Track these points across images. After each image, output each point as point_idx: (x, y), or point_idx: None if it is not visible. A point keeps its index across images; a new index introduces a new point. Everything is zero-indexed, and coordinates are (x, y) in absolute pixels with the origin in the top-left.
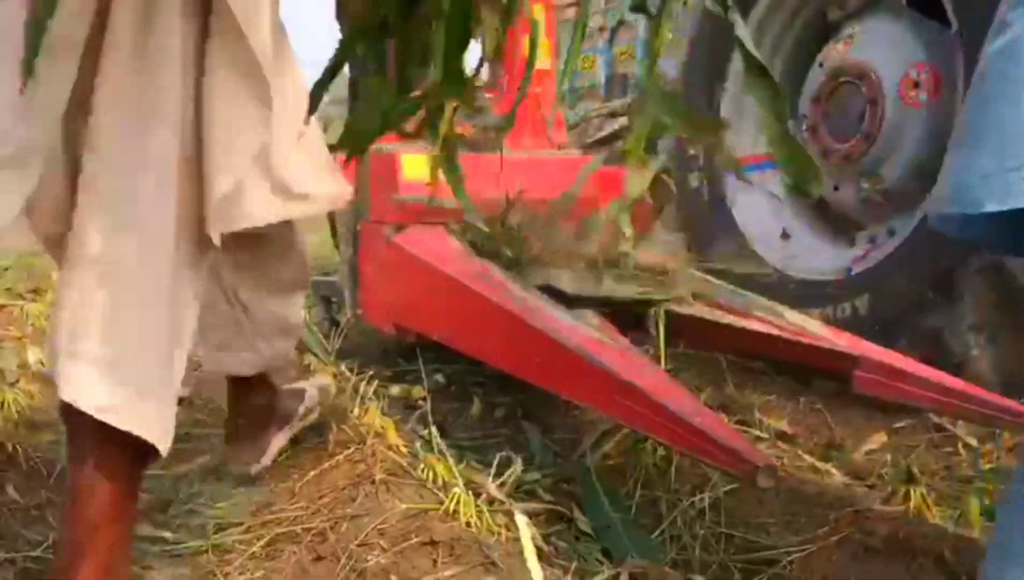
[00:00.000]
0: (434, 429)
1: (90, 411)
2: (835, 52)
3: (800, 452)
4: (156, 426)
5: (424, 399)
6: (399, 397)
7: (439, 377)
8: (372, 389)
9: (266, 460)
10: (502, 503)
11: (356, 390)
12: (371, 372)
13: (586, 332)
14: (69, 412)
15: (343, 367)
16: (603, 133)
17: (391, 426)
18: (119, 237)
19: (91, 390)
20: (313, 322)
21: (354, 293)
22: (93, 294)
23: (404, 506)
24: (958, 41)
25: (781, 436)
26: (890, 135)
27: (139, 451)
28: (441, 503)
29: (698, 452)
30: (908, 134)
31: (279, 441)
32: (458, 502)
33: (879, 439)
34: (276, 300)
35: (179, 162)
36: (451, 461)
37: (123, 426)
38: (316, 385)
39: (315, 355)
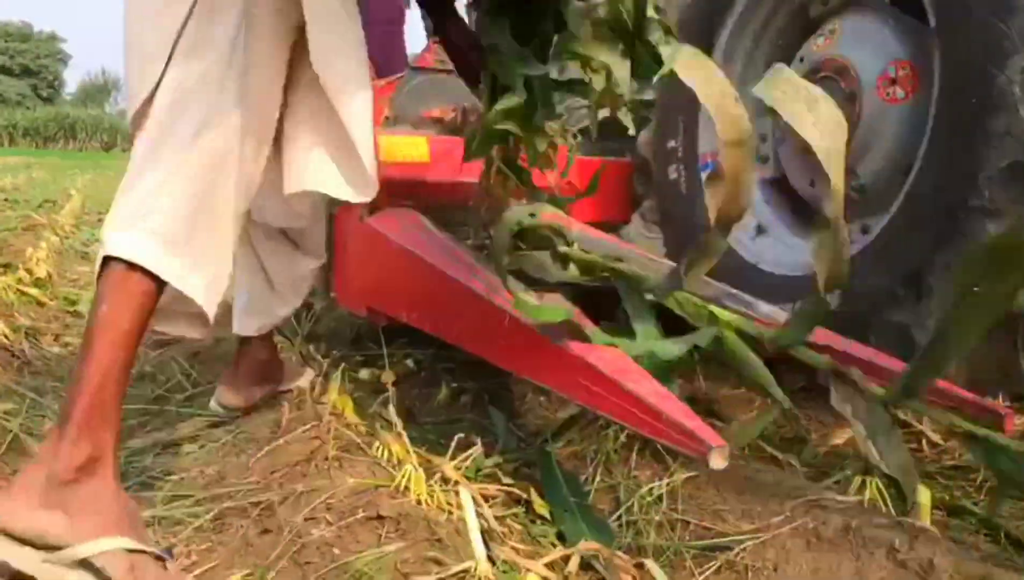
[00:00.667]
0: (391, 408)
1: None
2: (815, 47)
3: (762, 443)
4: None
5: (394, 384)
6: (368, 381)
7: (409, 362)
8: (339, 371)
9: (241, 403)
10: (456, 483)
11: (322, 371)
12: (340, 355)
13: None
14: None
15: (311, 349)
16: (584, 124)
17: (348, 404)
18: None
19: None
20: None
21: (328, 276)
22: (166, 178)
23: (353, 482)
24: (935, 38)
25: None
26: (867, 132)
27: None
28: (393, 480)
29: (652, 432)
30: (885, 131)
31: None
32: (409, 479)
33: (844, 434)
34: (299, 268)
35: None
36: (407, 440)
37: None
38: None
39: (284, 337)
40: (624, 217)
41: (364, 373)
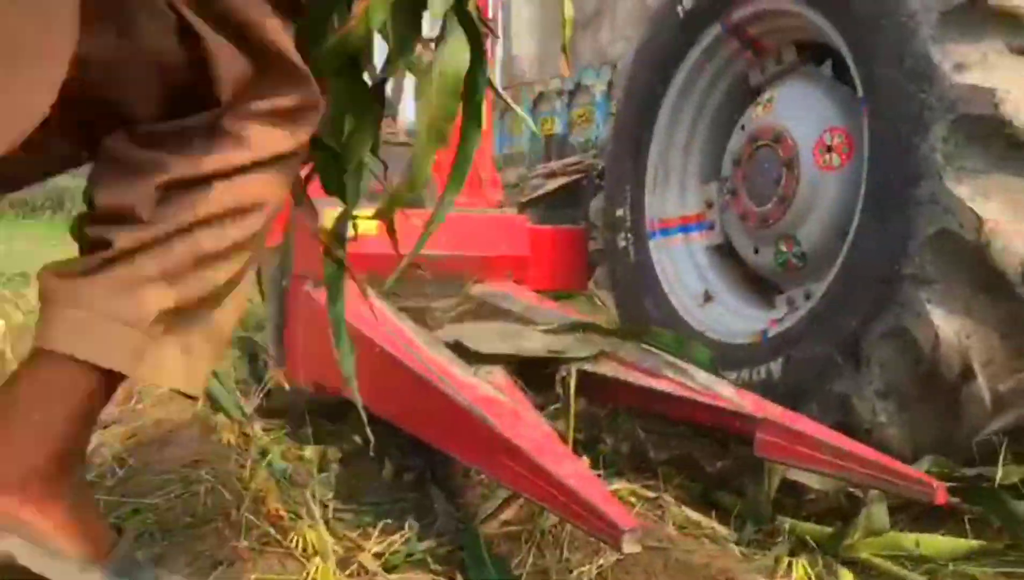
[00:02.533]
0: (309, 493)
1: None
2: (755, 116)
3: (701, 521)
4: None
5: (340, 461)
6: (311, 459)
7: (357, 438)
8: (281, 450)
9: None
10: (374, 574)
11: (262, 451)
12: (286, 432)
13: (482, 391)
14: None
15: (256, 427)
16: (540, 192)
17: (272, 491)
18: None
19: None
20: (238, 378)
21: (279, 350)
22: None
23: (255, 577)
24: (863, 107)
25: (686, 504)
26: (805, 198)
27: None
28: (302, 575)
29: (569, 515)
30: (823, 198)
31: None
32: (319, 573)
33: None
34: None
35: None
36: (323, 529)
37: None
38: None
39: (225, 413)
40: (580, 285)
41: (309, 450)
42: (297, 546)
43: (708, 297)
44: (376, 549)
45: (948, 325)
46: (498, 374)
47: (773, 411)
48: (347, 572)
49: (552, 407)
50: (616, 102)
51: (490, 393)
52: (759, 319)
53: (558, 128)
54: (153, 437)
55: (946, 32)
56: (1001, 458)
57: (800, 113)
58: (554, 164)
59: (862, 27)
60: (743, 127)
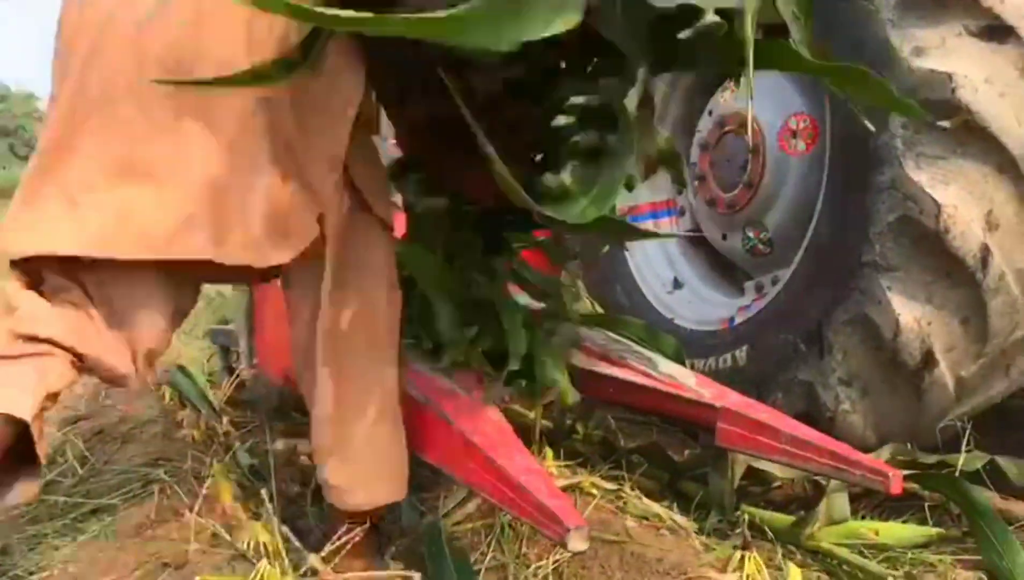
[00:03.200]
0: (264, 492)
1: None
2: (722, 100)
3: (662, 512)
4: None
5: (308, 456)
6: (283, 451)
7: None
8: (249, 445)
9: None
10: (325, 575)
11: (226, 446)
12: (257, 424)
13: (440, 384)
14: None
15: (225, 420)
16: None
17: (227, 490)
18: None
19: None
20: (211, 370)
21: (250, 342)
22: None
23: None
24: (824, 92)
25: (650, 494)
26: (771, 184)
27: None
28: (257, 574)
29: (518, 511)
30: (788, 183)
31: None
32: (266, 574)
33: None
34: None
35: None
36: (276, 528)
37: None
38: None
39: (193, 406)
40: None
41: (280, 443)
42: (248, 546)
43: (678, 284)
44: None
45: (909, 312)
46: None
47: (734, 400)
48: (300, 572)
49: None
50: None
51: (449, 386)
52: (728, 306)
53: None
54: (117, 434)
55: (905, 16)
56: (964, 444)
57: (765, 98)
58: None
59: (823, 10)
60: (710, 112)
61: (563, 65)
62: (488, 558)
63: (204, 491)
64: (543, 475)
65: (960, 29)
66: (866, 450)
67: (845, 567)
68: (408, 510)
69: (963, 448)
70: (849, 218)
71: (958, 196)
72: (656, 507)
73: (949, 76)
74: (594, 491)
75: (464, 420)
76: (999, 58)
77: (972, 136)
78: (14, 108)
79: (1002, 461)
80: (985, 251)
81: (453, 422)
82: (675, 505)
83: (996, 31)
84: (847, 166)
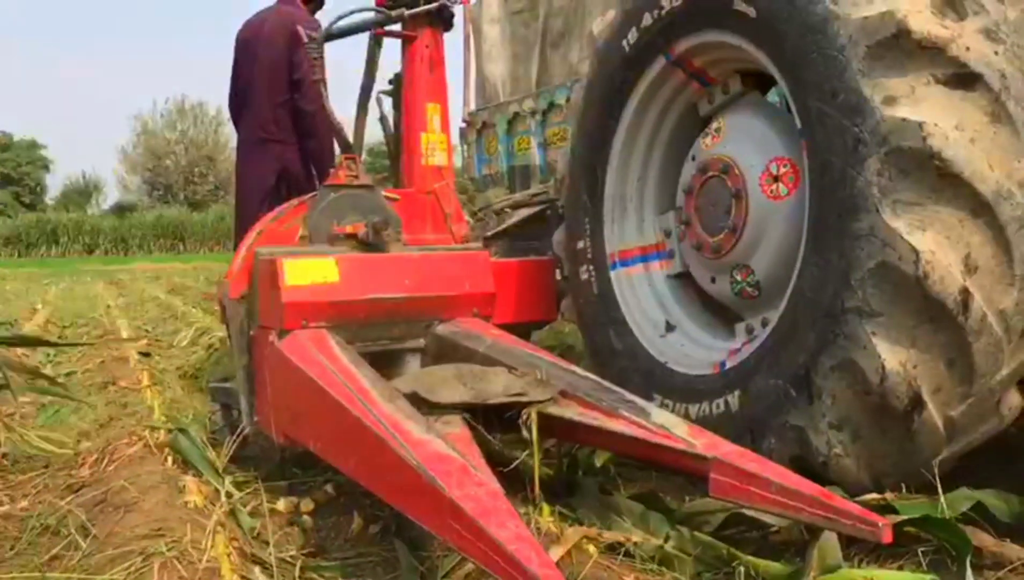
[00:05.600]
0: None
1: None
2: (704, 146)
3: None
4: None
5: (310, 513)
6: (283, 511)
7: (329, 487)
8: (251, 507)
9: None
10: None
11: (228, 510)
12: (260, 479)
13: (432, 448)
14: None
15: (227, 481)
16: (505, 225)
17: (227, 565)
18: None
19: None
20: (214, 428)
21: (251, 400)
22: None
23: None
24: (801, 138)
25: (647, 547)
26: (755, 228)
27: None
28: None
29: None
30: (772, 227)
31: None
32: None
33: None
34: None
35: None
36: None
37: None
38: None
39: (197, 469)
40: (550, 316)
41: (282, 503)
42: None
43: (670, 327)
44: None
45: (894, 356)
46: (455, 422)
47: (726, 450)
48: None
49: (524, 452)
50: (570, 137)
51: (441, 450)
52: (719, 350)
53: (534, 148)
54: (120, 502)
55: (874, 66)
56: (939, 486)
57: (746, 143)
58: (518, 195)
59: (795, 61)
60: (693, 157)
61: None
62: None
63: (203, 565)
64: (532, 543)
65: (928, 78)
66: (862, 492)
67: None
68: (407, 571)
69: (940, 491)
70: (830, 265)
71: (935, 241)
72: (652, 564)
73: (920, 124)
74: (591, 549)
75: (456, 485)
76: (968, 105)
77: (945, 182)
78: (18, 156)
79: (991, 498)
80: (965, 294)
81: (444, 488)
82: (675, 562)
83: (963, 79)
84: (825, 213)
